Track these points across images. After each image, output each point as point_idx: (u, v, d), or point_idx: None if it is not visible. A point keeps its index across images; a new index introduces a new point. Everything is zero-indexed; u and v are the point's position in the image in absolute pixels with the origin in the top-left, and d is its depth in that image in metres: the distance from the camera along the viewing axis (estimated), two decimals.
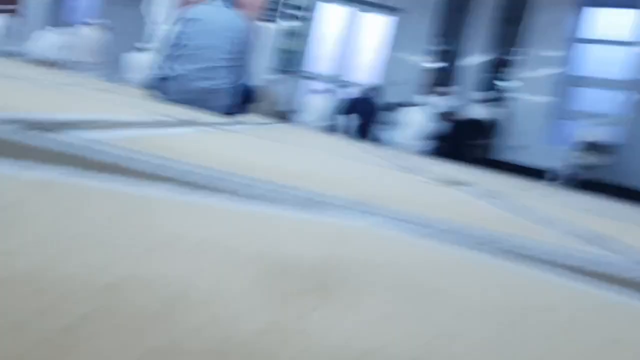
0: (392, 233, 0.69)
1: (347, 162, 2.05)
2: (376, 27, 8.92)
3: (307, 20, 8.68)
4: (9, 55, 7.67)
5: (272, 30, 8.55)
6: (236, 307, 0.32)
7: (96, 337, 0.23)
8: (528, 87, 8.15)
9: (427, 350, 0.32)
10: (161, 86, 3.70)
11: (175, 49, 3.69)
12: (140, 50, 8.14)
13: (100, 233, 0.40)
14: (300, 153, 1.91)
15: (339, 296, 0.38)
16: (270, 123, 5.69)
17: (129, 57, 8.07)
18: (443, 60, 8.87)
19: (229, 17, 3.76)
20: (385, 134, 6.94)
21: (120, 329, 0.25)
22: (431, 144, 7.14)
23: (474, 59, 8.63)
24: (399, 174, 2.04)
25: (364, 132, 6.89)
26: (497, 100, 8.26)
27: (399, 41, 8.74)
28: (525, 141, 7.97)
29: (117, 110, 1.81)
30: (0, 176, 0.49)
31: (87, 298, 0.27)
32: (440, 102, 7.88)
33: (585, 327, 0.45)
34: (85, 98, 2.16)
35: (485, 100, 7.96)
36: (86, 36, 7.31)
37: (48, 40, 7.80)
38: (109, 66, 8.89)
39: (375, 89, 7.36)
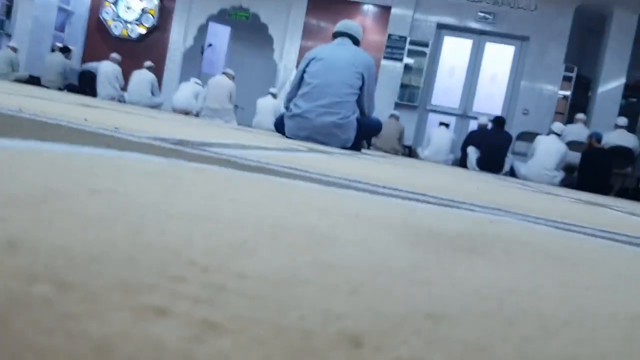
0: (529, 224, 0.68)
1: (476, 183, 2.01)
2: (502, 57, 8.71)
3: (431, 54, 8.70)
4: (155, 106, 8.46)
5: (398, 67, 8.67)
6: (388, 250, 0.34)
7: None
8: None
9: (557, 295, 0.32)
10: (289, 124, 3.87)
11: (300, 88, 3.86)
12: (272, 94, 8.63)
13: (250, 199, 0.44)
14: (427, 174, 1.91)
15: (485, 254, 0.39)
16: (394, 155, 5.71)
17: (261, 102, 8.55)
18: (577, 86, 8.43)
19: (352, 54, 3.86)
20: (518, 165, 6.65)
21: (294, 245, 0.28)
22: (570, 175, 6.75)
23: (611, 84, 8.12)
24: (534, 194, 1.97)
25: (493, 164, 6.65)
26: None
27: (527, 69, 8.46)
28: None
29: (253, 139, 1.93)
30: (176, 164, 0.56)
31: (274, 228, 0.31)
32: (577, 130, 7.44)
33: None
34: (224, 132, 2.33)
35: (627, 126, 7.39)
36: (219, 84, 7.86)
37: (185, 91, 8.48)
38: (242, 111, 9.50)
39: (502, 120, 7.09)
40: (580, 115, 7.73)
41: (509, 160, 6.79)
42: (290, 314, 0.20)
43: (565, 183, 6.74)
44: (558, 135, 6.48)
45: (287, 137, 3.82)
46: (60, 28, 10.96)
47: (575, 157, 6.71)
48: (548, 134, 6.51)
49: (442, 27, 8.79)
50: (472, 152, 6.87)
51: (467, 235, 0.45)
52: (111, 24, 11.16)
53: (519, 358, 0.19)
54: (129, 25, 11.15)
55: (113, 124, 1.12)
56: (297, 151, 1.77)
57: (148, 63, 8.66)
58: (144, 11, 11.06)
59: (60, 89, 8.49)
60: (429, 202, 0.75)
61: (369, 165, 1.74)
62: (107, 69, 8.39)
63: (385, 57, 8.78)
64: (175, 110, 8.36)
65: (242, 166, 0.73)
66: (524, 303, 0.27)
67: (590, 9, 8.22)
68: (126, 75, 8.55)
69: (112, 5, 11.15)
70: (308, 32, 10.55)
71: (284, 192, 0.55)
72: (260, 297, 0.21)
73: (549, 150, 6.23)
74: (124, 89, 8.54)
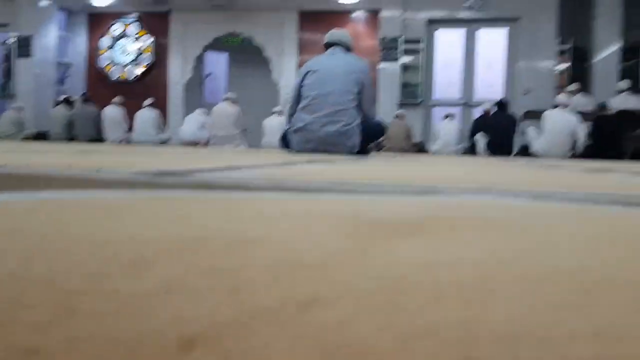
0: (504, 202, 0.67)
1: (473, 167, 2.00)
2: (495, 41, 8.68)
3: (426, 50, 8.70)
4: (163, 142, 8.56)
5: (395, 67, 8.67)
6: (313, 244, 0.34)
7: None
8: None
9: (472, 265, 0.32)
10: (293, 138, 3.90)
11: (300, 102, 3.89)
12: (277, 113, 8.67)
13: (252, 214, 0.45)
14: (424, 167, 1.90)
15: (424, 235, 0.39)
16: (403, 154, 5.69)
17: (267, 122, 8.60)
18: (575, 58, 8.37)
19: (346, 61, 3.89)
20: (530, 144, 6.58)
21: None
22: (584, 145, 6.66)
23: (607, 50, 8.03)
24: (533, 170, 1.94)
25: (502, 147, 6.60)
26: None
27: (522, 49, 8.40)
28: None
29: (253, 159, 1.94)
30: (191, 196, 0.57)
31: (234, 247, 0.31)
32: (581, 100, 7.37)
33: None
34: (220, 156, 2.34)
35: (630, 89, 7.30)
36: (223, 111, 7.93)
37: (191, 123, 8.56)
38: (247, 135, 9.56)
39: (505, 102, 7.05)
40: (572, 86, 7.67)
41: (519, 140, 6.74)
42: (149, 322, 0.20)
43: (577, 153, 6.66)
44: (565, 108, 6.40)
45: (294, 151, 3.84)
46: (61, 81, 11.17)
47: (588, 126, 6.64)
48: (554, 108, 6.44)
49: (432, 22, 8.80)
50: (480, 139, 6.84)
51: (418, 219, 0.45)
52: (109, 69, 11.35)
53: (387, 328, 0.19)
54: (126, 67, 11.32)
55: (95, 165, 1.14)
56: (294, 164, 1.78)
57: (148, 101, 8.76)
58: (139, 51, 11.23)
59: (67, 140, 8.63)
60: (402, 193, 0.75)
61: (367, 167, 1.73)
62: (111, 114, 8.53)
63: (381, 60, 8.80)
64: (183, 143, 8.44)
65: (208, 186, 0.74)
66: (427, 275, 0.27)
67: None
68: (131, 116, 8.67)
69: (107, 51, 11.34)
70: (303, 47, 10.61)
71: (238, 205, 0.56)
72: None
73: (557, 124, 6.16)
74: (129, 130, 8.66)
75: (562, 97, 6.50)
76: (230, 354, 0.17)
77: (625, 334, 0.19)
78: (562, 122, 6.14)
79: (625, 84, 7.33)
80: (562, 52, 8.28)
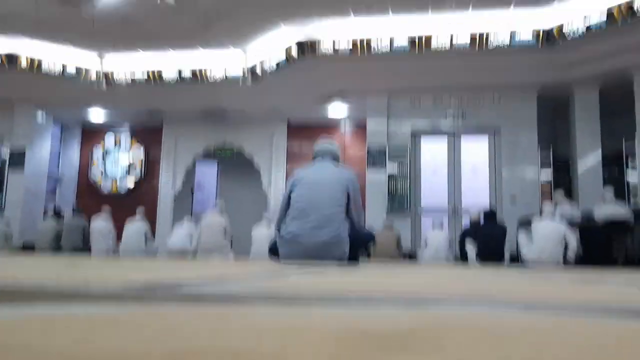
0: (493, 314, 0.67)
1: (464, 277, 1.99)
2: (478, 150, 8.96)
3: (412, 159, 8.94)
4: (151, 253, 8.48)
5: (382, 176, 8.85)
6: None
7: None
8: None
9: None
10: (282, 248, 3.87)
11: (288, 212, 3.91)
12: (266, 223, 8.66)
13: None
14: (418, 278, 1.88)
15: (409, 351, 0.38)
16: (393, 263, 5.64)
17: (256, 231, 8.57)
18: (557, 167, 8.61)
19: (333, 171, 3.96)
20: (520, 252, 6.59)
21: None
22: (573, 254, 6.68)
23: (589, 159, 8.30)
24: (524, 279, 1.94)
25: (492, 256, 6.59)
26: (627, 194, 7.74)
27: (505, 157, 8.66)
28: None
29: (239, 271, 1.92)
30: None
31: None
32: (567, 209, 7.47)
33: None
34: (217, 267, 2.32)
35: (612, 198, 7.46)
36: (212, 221, 7.93)
37: (179, 234, 8.53)
38: (236, 244, 9.51)
39: (494, 212, 7.13)
40: (559, 195, 7.80)
41: (509, 247, 6.74)
42: None
43: (569, 261, 6.65)
44: (552, 217, 6.49)
45: (283, 261, 3.80)
46: (52, 192, 11.23)
47: (575, 235, 6.68)
48: (541, 218, 6.52)
49: (417, 132, 9.12)
50: (470, 248, 6.85)
51: (406, 333, 0.45)
52: (100, 181, 11.47)
53: None
54: (117, 179, 11.46)
55: (84, 277, 1.12)
56: (283, 275, 1.76)
57: (139, 212, 8.79)
58: (131, 164, 11.42)
59: (53, 251, 8.53)
60: (392, 304, 0.74)
61: (356, 276, 1.72)
62: (100, 225, 8.51)
63: (368, 169, 9.00)
64: (171, 254, 8.36)
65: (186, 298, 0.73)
66: None
67: (551, 93, 8.62)
68: (120, 228, 8.64)
69: (99, 163, 11.53)
70: (292, 157, 10.88)
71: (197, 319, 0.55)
72: None
73: (546, 232, 6.21)
74: (118, 241, 8.61)
75: (548, 206, 6.60)
76: None
77: None
78: (551, 230, 6.20)
79: (609, 192, 7.50)
80: (544, 161, 8.53)
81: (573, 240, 6.15)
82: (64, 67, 8.98)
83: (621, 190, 7.76)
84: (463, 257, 7.02)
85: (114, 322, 0.50)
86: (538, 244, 6.17)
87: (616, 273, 3.02)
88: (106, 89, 8.96)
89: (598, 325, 0.58)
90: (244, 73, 8.63)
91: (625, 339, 0.47)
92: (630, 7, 6.31)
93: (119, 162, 11.49)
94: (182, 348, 0.37)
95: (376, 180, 8.93)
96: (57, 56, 8.88)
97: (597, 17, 6.60)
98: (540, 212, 6.61)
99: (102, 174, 11.51)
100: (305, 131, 10.77)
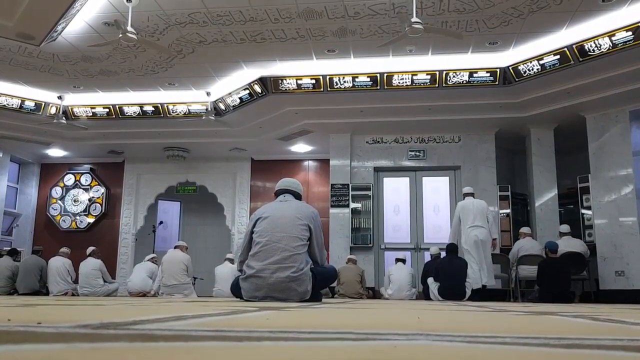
0: (437, 346, 0.70)
1: (422, 312, 2.02)
2: (439, 187, 9.14)
3: (375, 196, 9.03)
4: (110, 293, 8.24)
5: (346, 213, 8.89)
6: None
7: None
8: (607, 211, 7.78)
9: None
10: (244, 286, 3.83)
11: (251, 248, 3.89)
12: (230, 260, 8.52)
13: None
14: (377, 314, 1.91)
15: None
16: (357, 299, 5.64)
17: (219, 269, 8.43)
18: (515, 203, 8.82)
19: (295, 208, 3.96)
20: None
21: None
22: (532, 289, 6.81)
23: (545, 196, 8.53)
24: (480, 314, 1.98)
25: (454, 291, 6.63)
26: (582, 229, 7.96)
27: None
28: (625, 265, 7.46)
29: (195, 309, 1.91)
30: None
31: None
32: (528, 244, 7.61)
33: None
34: (176, 306, 2.29)
35: (569, 233, 7.66)
36: (173, 259, 7.78)
37: (140, 272, 8.34)
38: (201, 282, 9.35)
39: (455, 247, 7.17)
40: (524, 229, 7.97)
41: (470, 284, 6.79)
42: None
43: (528, 298, 6.77)
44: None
45: (245, 299, 3.76)
46: (8, 231, 10.89)
47: (532, 271, 6.80)
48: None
49: (379, 170, 9.25)
50: (432, 283, 6.90)
51: None
52: (59, 219, 11.20)
53: None
54: (77, 217, 11.20)
55: (35, 319, 1.11)
56: (241, 312, 1.76)
57: (90, 249, 8.57)
58: (91, 201, 11.20)
59: (10, 293, 8.23)
60: (343, 339, 0.77)
61: (315, 314, 1.73)
62: (57, 264, 8.24)
63: (332, 206, 9.04)
64: (131, 294, 8.15)
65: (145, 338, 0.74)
66: None
67: (508, 132, 8.90)
68: (78, 267, 8.41)
69: (59, 201, 11.27)
70: (255, 194, 10.85)
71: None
72: None
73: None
74: (75, 281, 8.35)
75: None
76: None
77: None
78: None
79: (565, 227, 7.70)
80: (502, 198, 8.73)
81: None
82: (22, 101, 8.79)
83: (577, 226, 7.97)
84: (426, 292, 7.04)
85: None
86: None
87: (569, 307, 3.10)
88: (66, 123, 8.80)
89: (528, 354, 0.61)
90: (206, 109, 8.64)
91: None
92: (582, 48, 6.59)
93: (79, 199, 11.25)
94: None
95: (340, 216, 8.97)
96: (15, 91, 8.69)
97: (551, 57, 6.87)
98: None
99: (61, 211, 11.24)
100: (269, 168, 10.79)
